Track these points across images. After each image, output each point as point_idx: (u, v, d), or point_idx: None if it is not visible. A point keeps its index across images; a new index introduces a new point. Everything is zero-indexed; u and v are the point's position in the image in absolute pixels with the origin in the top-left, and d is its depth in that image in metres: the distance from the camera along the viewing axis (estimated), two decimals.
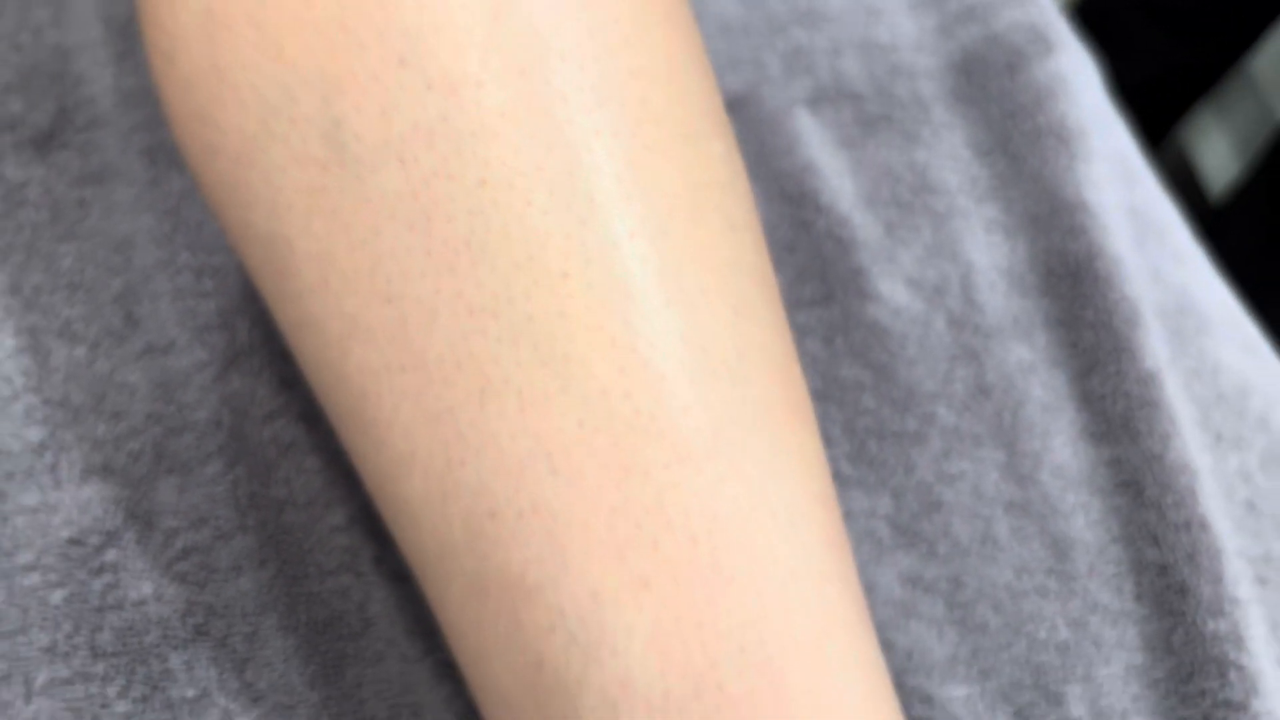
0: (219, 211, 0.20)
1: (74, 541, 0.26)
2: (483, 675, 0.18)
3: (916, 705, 0.28)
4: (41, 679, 0.25)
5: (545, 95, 0.17)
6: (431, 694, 0.26)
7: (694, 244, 0.18)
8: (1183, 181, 1.07)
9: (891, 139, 0.36)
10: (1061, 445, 0.32)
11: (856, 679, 0.18)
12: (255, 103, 0.17)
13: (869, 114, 0.36)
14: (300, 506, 0.27)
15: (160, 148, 0.30)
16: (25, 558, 0.25)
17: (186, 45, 0.18)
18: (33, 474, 0.26)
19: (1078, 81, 0.38)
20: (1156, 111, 0.94)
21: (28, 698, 0.24)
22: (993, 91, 0.37)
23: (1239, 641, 0.29)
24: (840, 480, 0.30)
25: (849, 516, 0.30)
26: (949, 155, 0.36)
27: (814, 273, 0.33)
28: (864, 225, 0.34)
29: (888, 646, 0.28)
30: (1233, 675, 0.28)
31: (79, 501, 0.26)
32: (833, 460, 0.31)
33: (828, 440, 0.31)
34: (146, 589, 0.26)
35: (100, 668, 0.25)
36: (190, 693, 0.25)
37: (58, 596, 0.25)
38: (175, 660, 0.25)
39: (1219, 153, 1.07)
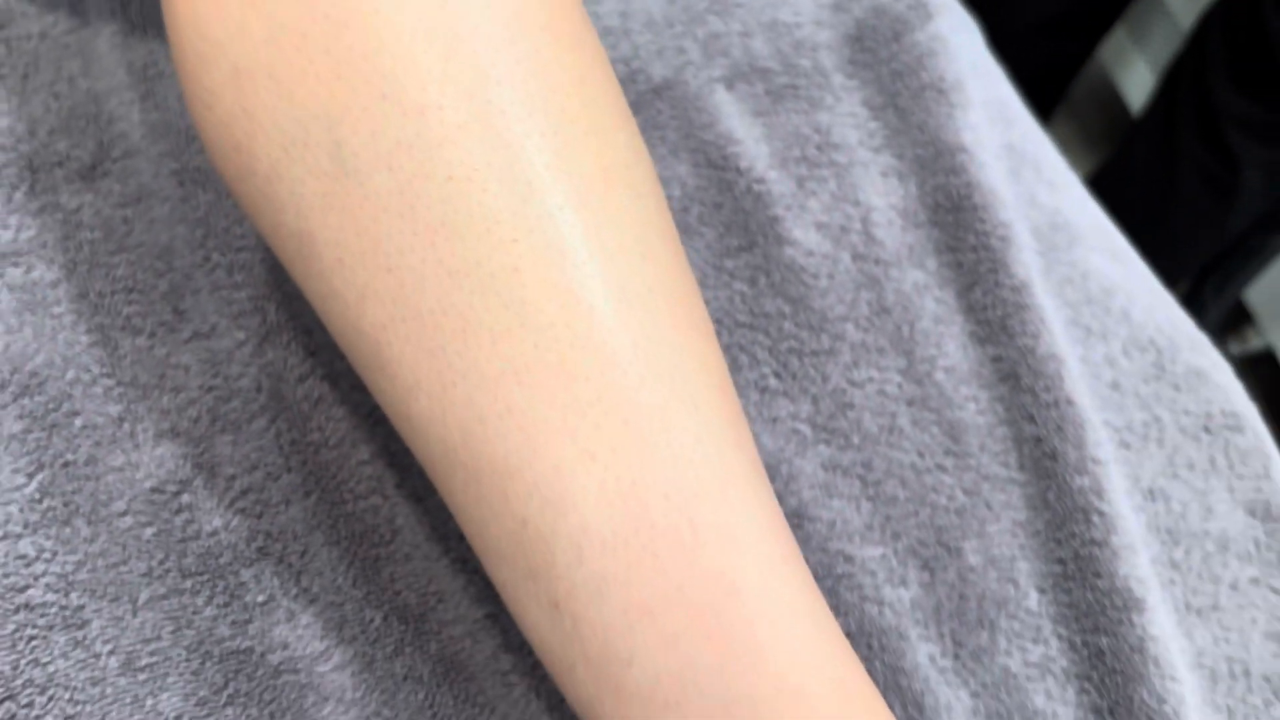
0: (254, 217, 0.26)
1: (155, 490, 0.32)
2: (485, 540, 0.25)
3: (841, 564, 0.35)
4: (144, 597, 0.31)
5: (489, 111, 0.23)
6: (451, 583, 0.32)
7: (608, 210, 0.24)
8: (1107, 99, 1.14)
9: (798, 106, 0.42)
10: (953, 349, 0.38)
11: (754, 515, 0.24)
12: (277, 135, 0.24)
13: (778, 86, 0.43)
14: (332, 447, 0.33)
15: (185, 170, 0.37)
16: (119, 506, 0.32)
17: (220, 96, 0.24)
18: (116, 440, 0.33)
19: (956, 40, 0.44)
20: (1080, 37, 1.00)
21: (134, 612, 0.31)
22: (882, 56, 0.43)
23: (1100, 493, 0.35)
24: (768, 391, 0.37)
25: (777, 421, 0.37)
26: (848, 115, 0.42)
27: (738, 225, 0.39)
28: (778, 181, 0.40)
29: (814, 520, 0.35)
30: (1095, 519, 0.35)
31: (155, 459, 0.33)
32: (761, 376, 0.37)
33: (756, 361, 0.37)
34: (217, 522, 0.32)
35: (188, 584, 0.31)
36: (260, 598, 0.32)
37: (148, 533, 0.32)
38: (246, 574, 0.32)
39: (1137, 70, 1.13)
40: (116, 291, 0.35)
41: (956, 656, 0.34)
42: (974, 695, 0.34)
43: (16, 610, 0.30)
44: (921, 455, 0.36)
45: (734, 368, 0.37)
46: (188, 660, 0.31)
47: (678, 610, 0.23)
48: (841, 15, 0.44)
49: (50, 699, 0.30)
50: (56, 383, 0.33)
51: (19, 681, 0.30)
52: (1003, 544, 0.36)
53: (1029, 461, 0.36)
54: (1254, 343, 1.10)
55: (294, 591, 0.32)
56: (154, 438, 0.33)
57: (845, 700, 0.24)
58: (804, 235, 0.40)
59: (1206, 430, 0.39)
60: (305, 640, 0.31)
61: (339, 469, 0.33)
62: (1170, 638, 0.35)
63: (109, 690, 0.30)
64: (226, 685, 0.31)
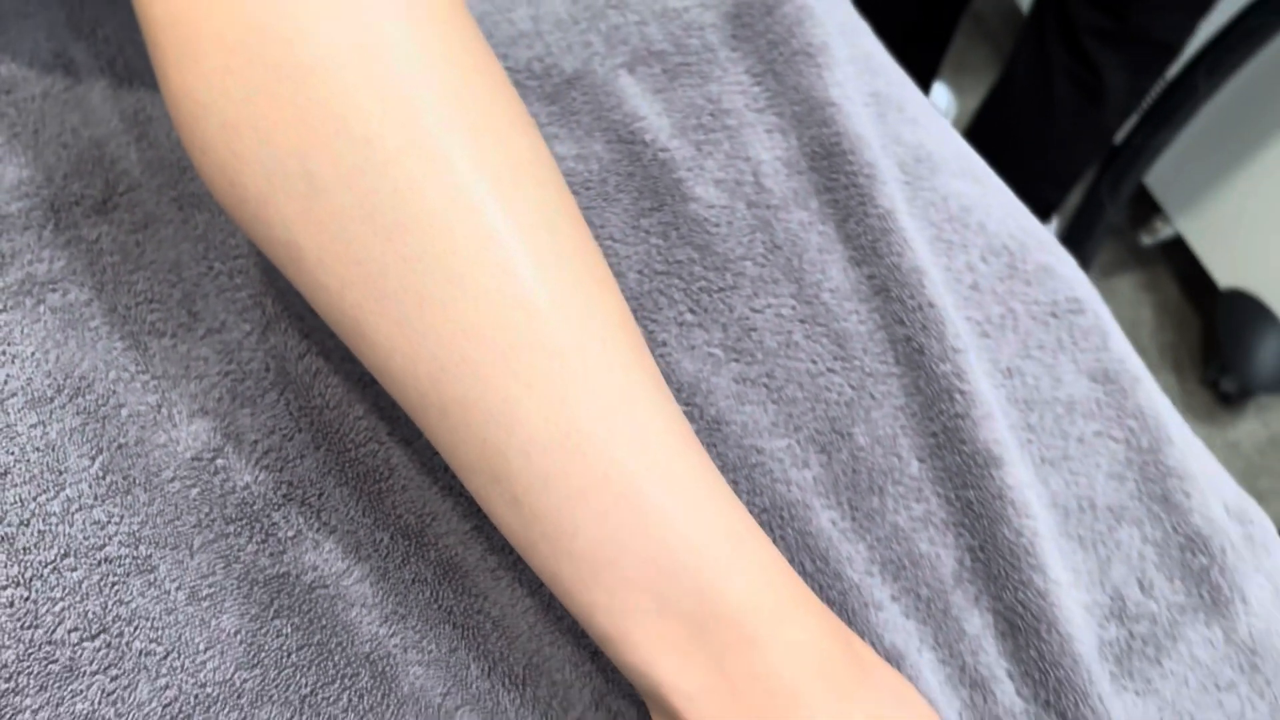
0: (248, 232, 0.34)
1: (195, 458, 0.40)
2: (458, 460, 0.33)
3: (754, 455, 0.43)
4: (197, 543, 0.39)
5: (423, 135, 0.31)
6: (442, 505, 0.40)
7: (520, 198, 0.32)
8: (1007, 10, 1.22)
9: (691, 80, 0.50)
10: (835, 273, 0.46)
11: (655, 417, 0.32)
12: (262, 171, 0.31)
13: (673, 65, 0.50)
14: (332, 408, 0.41)
15: (182, 196, 0.44)
16: (167, 474, 0.40)
17: (213, 144, 0.32)
18: (157, 423, 0.41)
19: (821, 7, 0.51)
20: None
21: (191, 555, 0.39)
22: (758, 29, 0.50)
23: (961, 375, 0.43)
24: (685, 325, 0.45)
25: (694, 348, 0.44)
26: (734, 84, 0.50)
27: (648, 190, 0.47)
28: (679, 148, 0.48)
29: (730, 423, 0.43)
30: (958, 397, 0.43)
31: (191, 434, 0.41)
32: (679, 314, 0.45)
33: (673, 301, 0.45)
34: (247, 478, 0.40)
35: (231, 529, 0.39)
36: (290, 533, 0.40)
37: (194, 493, 0.40)
38: (276, 516, 0.40)
39: None
40: (139, 303, 0.42)
41: (854, 519, 0.42)
42: (870, 548, 0.42)
43: (99, 564, 0.38)
44: (814, 362, 0.44)
45: (655, 308, 0.45)
46: (238, 587, 0.39)
47: (604, 492, 0.31)
48: None
49: (135, 629, 0.38)
50: (102, 382, 0.41)
51: (109, 618, 0.38)
52: (885, 425, 0.44)
53: (902, 357, 0.44)
54: (1164, 232, 1.18)
55: (316, 525, 0.40)
56: (187, 417, 0.41)
57: (738, 544, 0.32)
58: (705, 191, 0.47)
59: (1053, 315, 0.47)
60: (330, 562, 0.39)
61: (340, 425, 0.41)
62: (1027, 486, 0.43)
63: (180, 617, 0.38)
64: (272, 603, 0.39)
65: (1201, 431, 1.06)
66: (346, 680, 0.38)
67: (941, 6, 1.12)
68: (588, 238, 0.34)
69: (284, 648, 0.38)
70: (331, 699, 0.38)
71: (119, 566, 0.38)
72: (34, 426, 0.40)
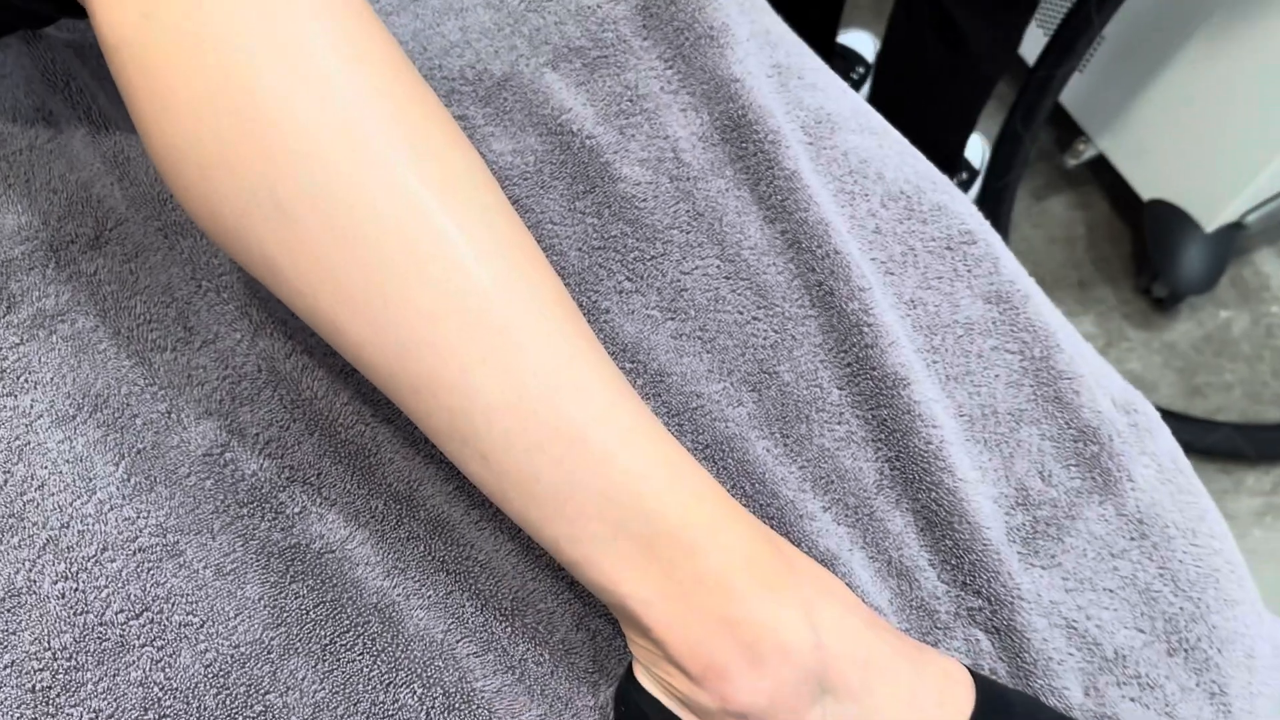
0: (230, 254, 0.39)
1: (206, 455, 0.46)
2: (431, 428, 0.39)
3: (694, 400, 0.49)
4: (217, 526, 0.45)
5: (371, 156, 0.36)
6: (425, 472, 0.46)
7: (458, 198, 0.37)
8: None
9: (610, 71, 0.55)
10: (753, 232, 0.52)
11: (593, 373, 0.38)
12: (239, 203, 0.37)
13: (592, 59, 0.55)
14: (321, 399, 0.47)
15: (166, 225, 0.50)
16: (183, 470, 0.46)
17: (193, 184, 0.37)
18: (169, 427, 0.46)
19: None
20: None
21: (213, 537, 0.45)
22: (665, 17, 0.56)
23: (867, 310, 0.49)
24: (624, 292, 0.51)
25: (634, 312, 0.50)
26: (648, 70, 0.55)
27: (580, 175, 0.53)
28: (604, 134, 0.54)
29: (671, 374, 0.49)
30: (866, 330, 0.49)
31: (200, 434, 0.46)
32: (618, 283, 0.51)
33: (612, 272, 0.51)
34: (254, 466, 0.46)
35: (245, 511, 0.45)
36: (296, 510, 0.46)
37: (208, 484, 0.46)
38: (282, 496, 0.46)
39: None
40: (140, 324, 0.48)
41: (785, 445, 0.48)
42: (801, 468, 0.48)
43: (134, 554, 0.44)
44: (741, 313, 0.50)
45: (596, 280, 0.51)
46: (257, 560, 0.45)
47: (557, 441, 0.37)
48: None
49: (173, 605, 0.44)
50: (116, 397, 0.47)
51: (149, 598, 0.44)
52: (806, 362, 0.50)
53: (816, 300, 0.50)
54: (1087, 153, 1.24)
55: (318, 500, 0.46)
56: (195, 419, 0.47)
57: (674, 472, 0.38)
58: (631, 171, 0.53)
59: (948, 248, 0.53)
60: (334, 530, 0.45)
61: (329, 412, 0.47)
62: (934, 401, 0.49)
63: (210, 591, 0.44)
64: (288, 571, 0.45)
65: (1141, 336, 1.13)
66: (359, 629, 0.44)
67: None
68: (521, 228, 0.40)
69: (302, 607, 0.44)
70: (348, 645, 0.44)
71: (152, 554, 0.44)
72: (62, 442, 0.46)
